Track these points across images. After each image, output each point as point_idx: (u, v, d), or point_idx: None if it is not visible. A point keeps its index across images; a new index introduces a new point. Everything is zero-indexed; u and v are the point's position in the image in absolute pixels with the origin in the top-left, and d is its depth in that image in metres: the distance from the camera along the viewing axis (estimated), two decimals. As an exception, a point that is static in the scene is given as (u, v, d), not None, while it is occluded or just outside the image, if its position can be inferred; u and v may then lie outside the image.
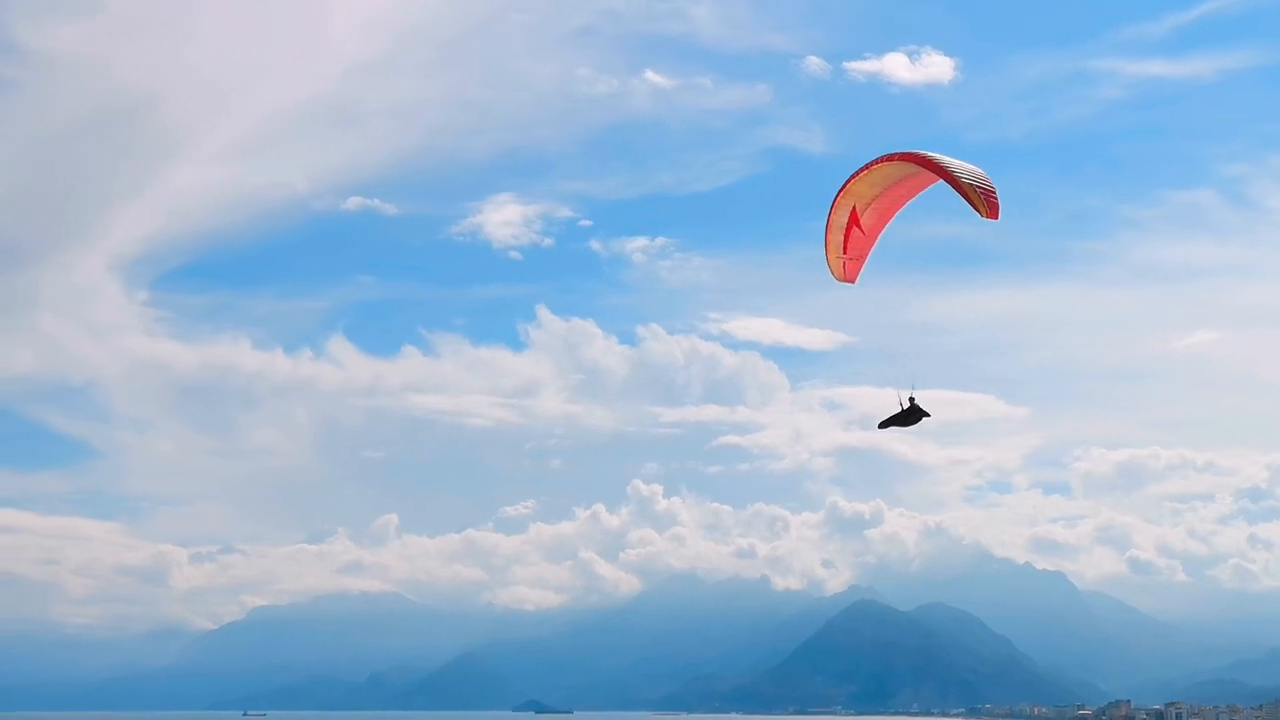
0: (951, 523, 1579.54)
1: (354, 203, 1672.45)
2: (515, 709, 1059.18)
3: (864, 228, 66.04)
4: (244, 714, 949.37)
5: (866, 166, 62.97)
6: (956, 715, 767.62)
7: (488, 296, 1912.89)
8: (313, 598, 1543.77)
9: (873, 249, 67.44)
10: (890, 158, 61.91)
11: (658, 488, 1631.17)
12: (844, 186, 64.40)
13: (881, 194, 64.46)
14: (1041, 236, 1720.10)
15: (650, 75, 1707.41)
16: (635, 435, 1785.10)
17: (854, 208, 65.00)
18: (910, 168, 61.53)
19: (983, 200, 59.08)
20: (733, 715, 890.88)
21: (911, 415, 65.23)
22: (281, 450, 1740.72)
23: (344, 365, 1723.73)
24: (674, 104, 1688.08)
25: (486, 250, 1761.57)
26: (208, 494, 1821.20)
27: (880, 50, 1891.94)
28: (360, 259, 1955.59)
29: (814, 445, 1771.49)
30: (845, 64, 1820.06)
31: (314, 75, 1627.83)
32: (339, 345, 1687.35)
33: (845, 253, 66.90)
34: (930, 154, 60.33)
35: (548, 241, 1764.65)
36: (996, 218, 59.59)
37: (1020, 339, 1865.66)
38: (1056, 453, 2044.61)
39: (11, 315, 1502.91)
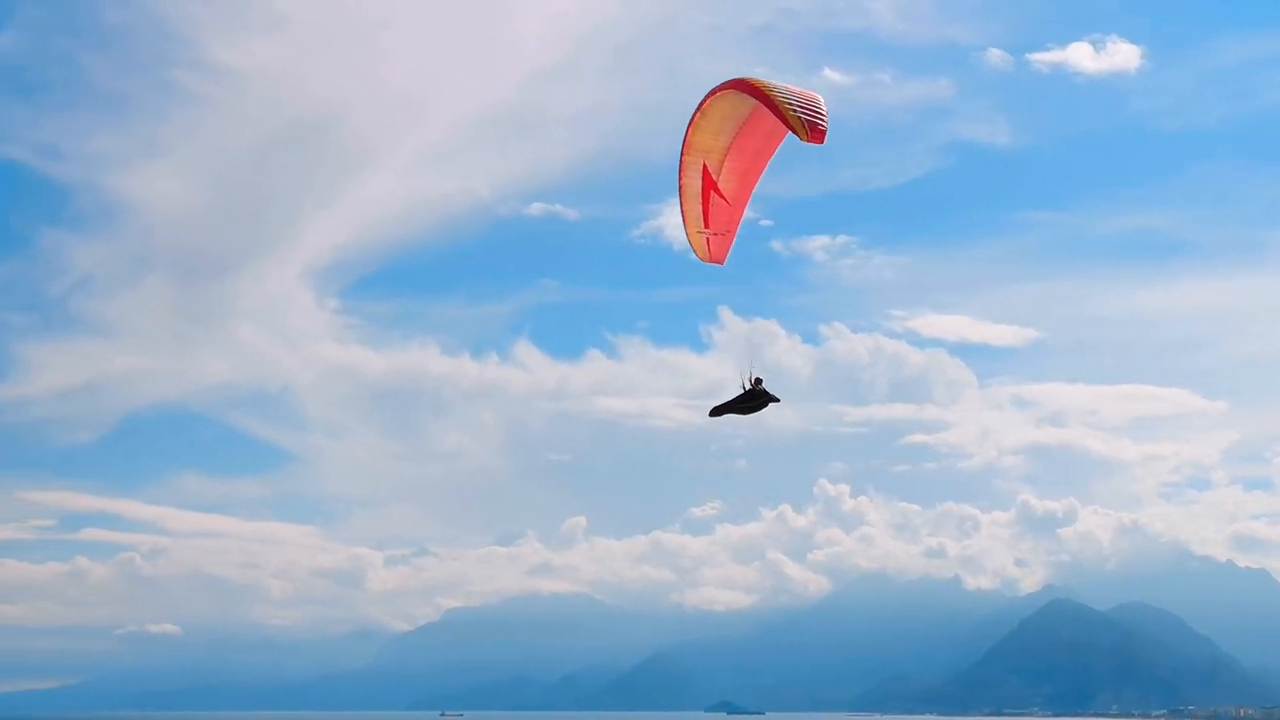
0: (1148, 520, 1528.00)
1: (537, 208, 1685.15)
2: (707, 710, 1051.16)
3: (725, 195, 53.57)
4: (441, 714, 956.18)
5: (699, 108, 50.99)
6: (1158, 717, 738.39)
7: (670, 298, 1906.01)
8: (505, 599, 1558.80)
9: (740, 221, 54.96)
10: (714, 91, 50.07)
11: (844, 487, 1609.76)
12: (685, 140, 52.24)
13: (731, 147, 52.12)
14: (1240, 226, 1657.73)
15: (829, 72, 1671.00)
16: (820, 435, 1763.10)
17: (705, 167, 52.65)
18: (736, 98, 49.54)
19: (802, 123, 46.82)
20: (927, 717, 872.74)
21: (755, 399, 53.15)
22: (470, 453, 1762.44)
23: (530, 369, 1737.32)
24: (854, 100, 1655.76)
25: (668, 252, 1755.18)
26: (400, 497, 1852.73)
27: (1063, 40, 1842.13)
28: (544, 264, 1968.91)
29: (1003, 443, 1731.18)
30: (1028, 55, 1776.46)
31: (496, 83, 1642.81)
32: (524, 349, 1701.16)
33: (707, 226, 54.50)
34: (751, 78, 48.52)
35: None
36: (821, 141, 47.40)
37: (1218, 332, 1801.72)
38: (1257, 447, 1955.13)
39: (211, 325, 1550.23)
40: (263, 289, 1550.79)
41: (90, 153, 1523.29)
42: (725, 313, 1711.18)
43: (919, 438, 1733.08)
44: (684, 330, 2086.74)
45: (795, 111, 47.13)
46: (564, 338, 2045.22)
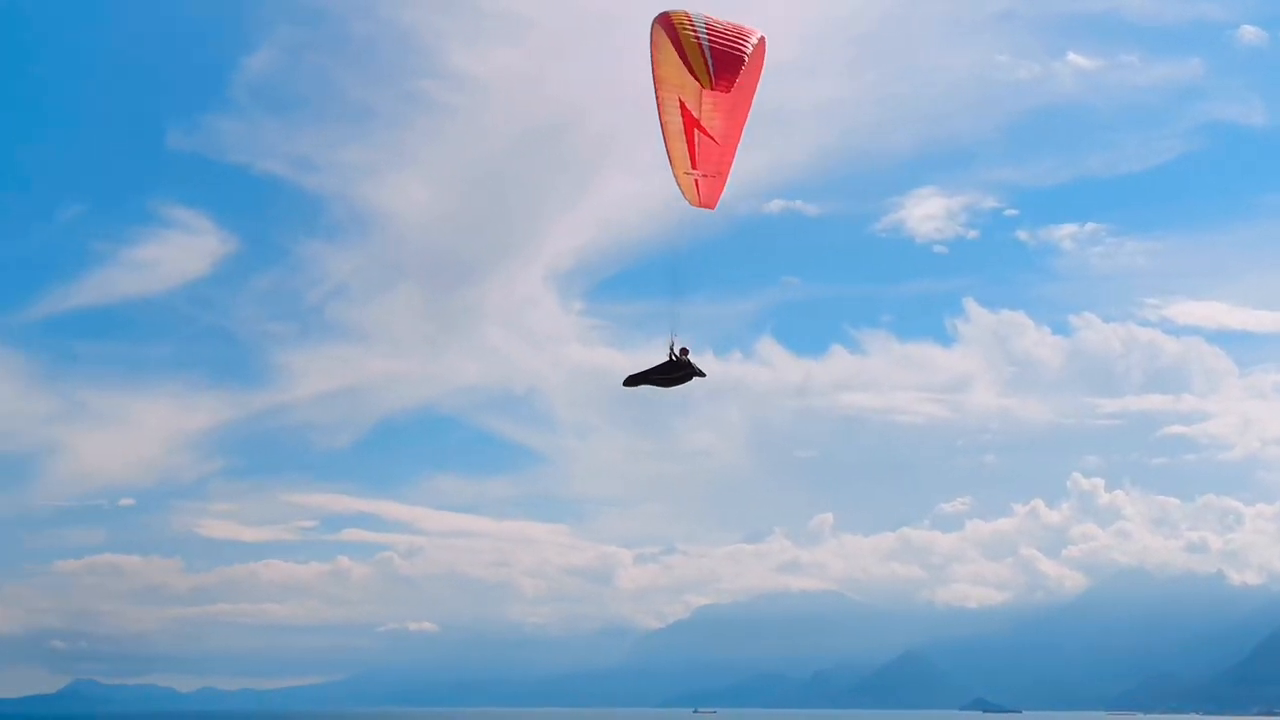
0: None
1: (776, 205, 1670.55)
2: (961, 708, 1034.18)
3: (713, 134, 49.12)
4: (694, 711, 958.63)
5: (651, 41, 46.86)
6: None
7: (913, 292, 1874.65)
8: (754, 596, 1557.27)
9: (732, 163, 50.39)
10: (658, 18, 45.92)
11: (1099, 481, 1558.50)
12: (652, 74, 48.05)
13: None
14: None
15: (1073, 57, 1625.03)
16: (1073, 428, 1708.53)
17: (682, 103, 48.26)
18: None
19: (706, 69, 42.32)
20: (1192, 716, 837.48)
21: (676, 371, 48.64)
22: (716, 451, 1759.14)
23: (774, 366, 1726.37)
24: (1100, 84, 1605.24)
25: (910, 245, 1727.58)
26: (647, 496, 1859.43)
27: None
28: (785, 260, 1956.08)
29: (1266, 433, 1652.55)
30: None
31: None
32: (768, 346, 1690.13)
33: (694, 167, 50.14)
34: (674, 10, 44.05)
35: (973, 233, 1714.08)
36: (725, 90, 42.96)
37: None
38: None
39: (461, 329, 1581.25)
40: (509, 293, 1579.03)
41: (342, 164, 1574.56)
42: (971, 305, 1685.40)
43: (1177, 429, 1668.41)
44: (929, 323, 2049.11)
45: (701, 55, 42.69)
46: (807, 334, 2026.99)
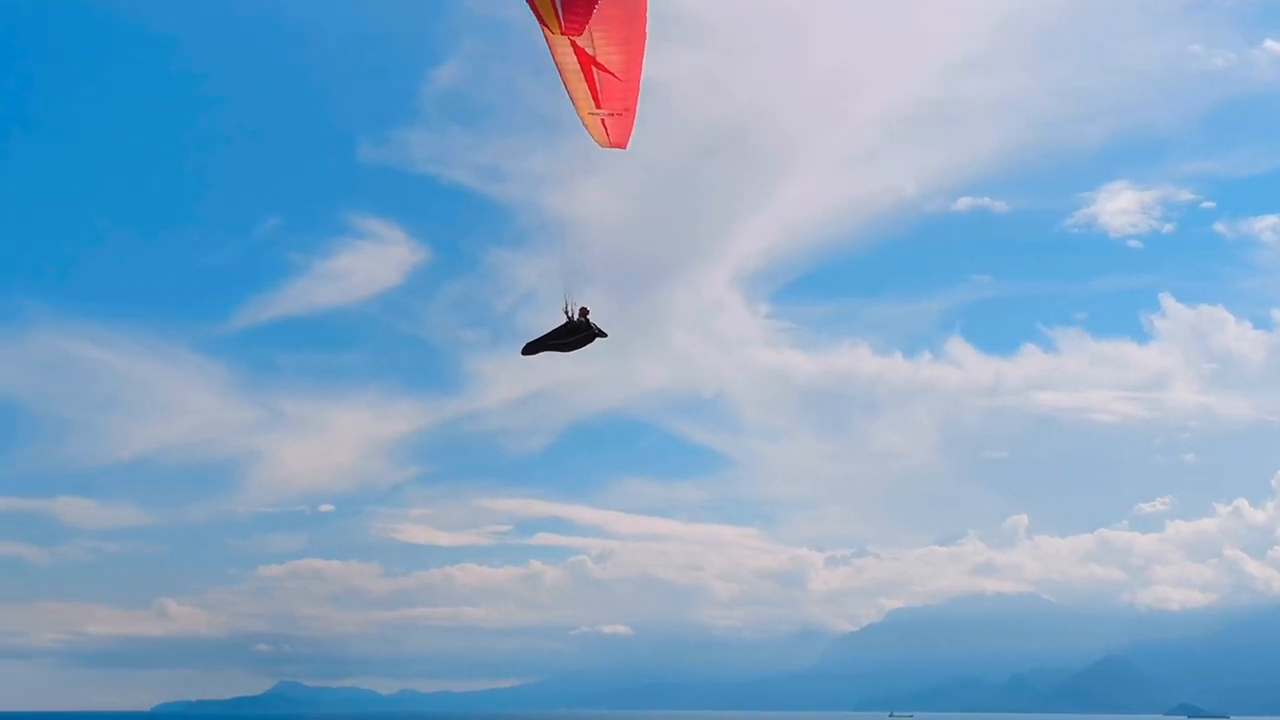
0: None
1: (964, 203, 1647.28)
2: (1166, 713, 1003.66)
3: (612, 70, 46.75)
4: (890, 715, 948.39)
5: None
6: None
7: (1107, 288, 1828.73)
8: (948, 599, 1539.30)
9: (637, 98, 48.02)
10: None
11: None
12: (534, 13, 45.77)
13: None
14: None
15: (1270, 44, 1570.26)
16: (1277, 425, 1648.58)
17: (571, 42, 45.91)
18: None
19: (554, 11, 40.02)
20: None
21: (576, 333, 45.96)
22: (906, 453, 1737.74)
23: (963, 366, 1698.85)
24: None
25: (1103, 241, 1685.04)
26: (837, 498, 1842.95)
27: None
28: (974, 258, 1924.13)
29: None
30: None
31: (918, 77, 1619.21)
32: (957, 346, 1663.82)
33: (599, 106, 47.94)
34: None
35: (1168, 227, 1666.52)
36: (575, 33, 40.63)
37: None
38: None
39: (649, 334, 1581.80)
40: (695, 296, 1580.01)
41: (528, 173, 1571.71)
42: (1168, 300, 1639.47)
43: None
44: (1124, 320, 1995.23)
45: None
46: (997, 333, 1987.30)
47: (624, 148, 49.04)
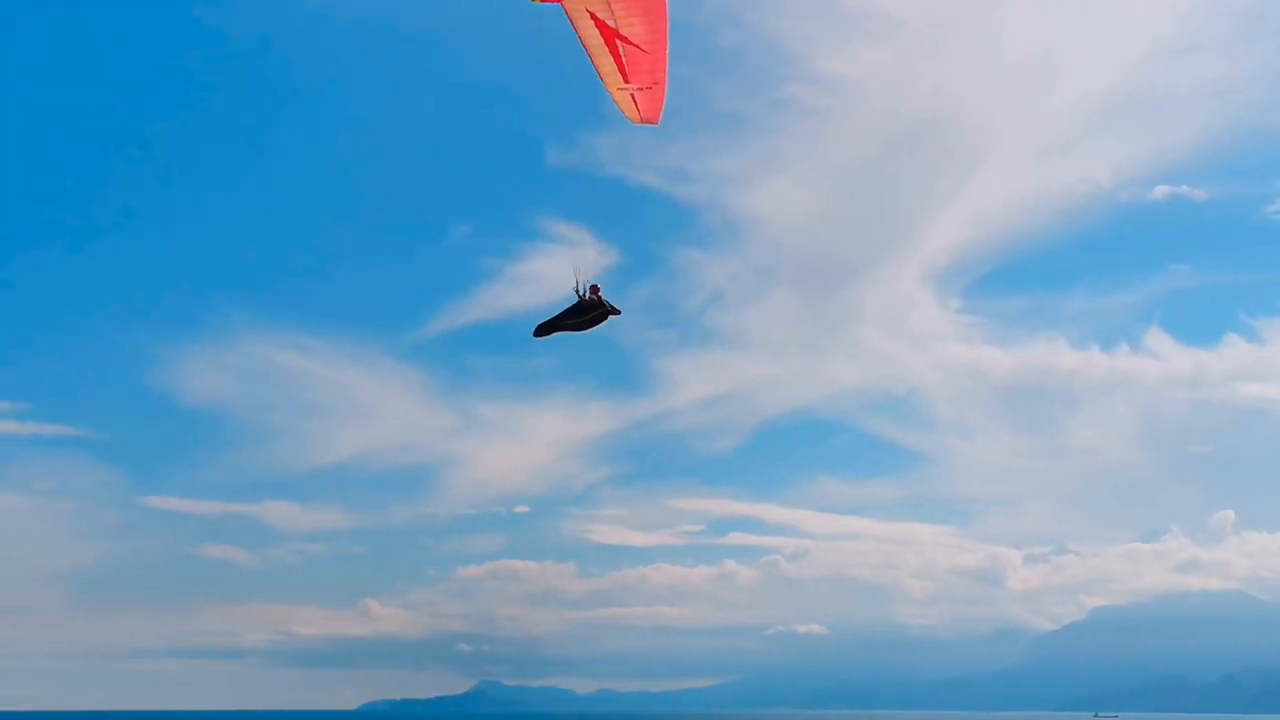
0: None
1: (1161, 191, 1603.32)
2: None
3: (636, 42, 45.96)
4: (1095, 715, 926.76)
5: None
6: None
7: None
8: (1152, 597, 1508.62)
9: (666, 69, 46.99)
10: None
11: None
12: (555, -10, 45.18)
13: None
14: None
15: None
16: None
17: (593, 16, 45.30)
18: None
19: None
20: None
21: (589, 312, 44.85)
22: (1106, 448, 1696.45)
23: (1163, 358, 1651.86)
24: None
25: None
26: (1035, 495, 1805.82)
27: None
28: (1173, 248, 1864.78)
29: None
30: None
31: (1111, 64, 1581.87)
32: (1156, 338, 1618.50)
33: (627, 81, 47.13)
34: None
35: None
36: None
37: None
38: None
39: (840, 331, 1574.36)
40: (886, 293, 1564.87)
41: (714, 173, 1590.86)
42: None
43: None
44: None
45: None
46: (1198, 324, 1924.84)
47: (655, 123, 48.10)
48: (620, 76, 46.66)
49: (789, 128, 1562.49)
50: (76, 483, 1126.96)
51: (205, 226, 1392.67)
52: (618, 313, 46.90)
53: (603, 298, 46.66)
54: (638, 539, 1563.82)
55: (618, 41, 45.80)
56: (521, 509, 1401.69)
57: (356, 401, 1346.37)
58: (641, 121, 48.21)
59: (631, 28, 45.47)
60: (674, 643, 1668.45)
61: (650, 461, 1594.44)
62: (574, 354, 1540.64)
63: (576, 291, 46.85)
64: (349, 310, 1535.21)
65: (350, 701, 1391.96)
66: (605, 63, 46.46)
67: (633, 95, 47.31)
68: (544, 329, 47.87)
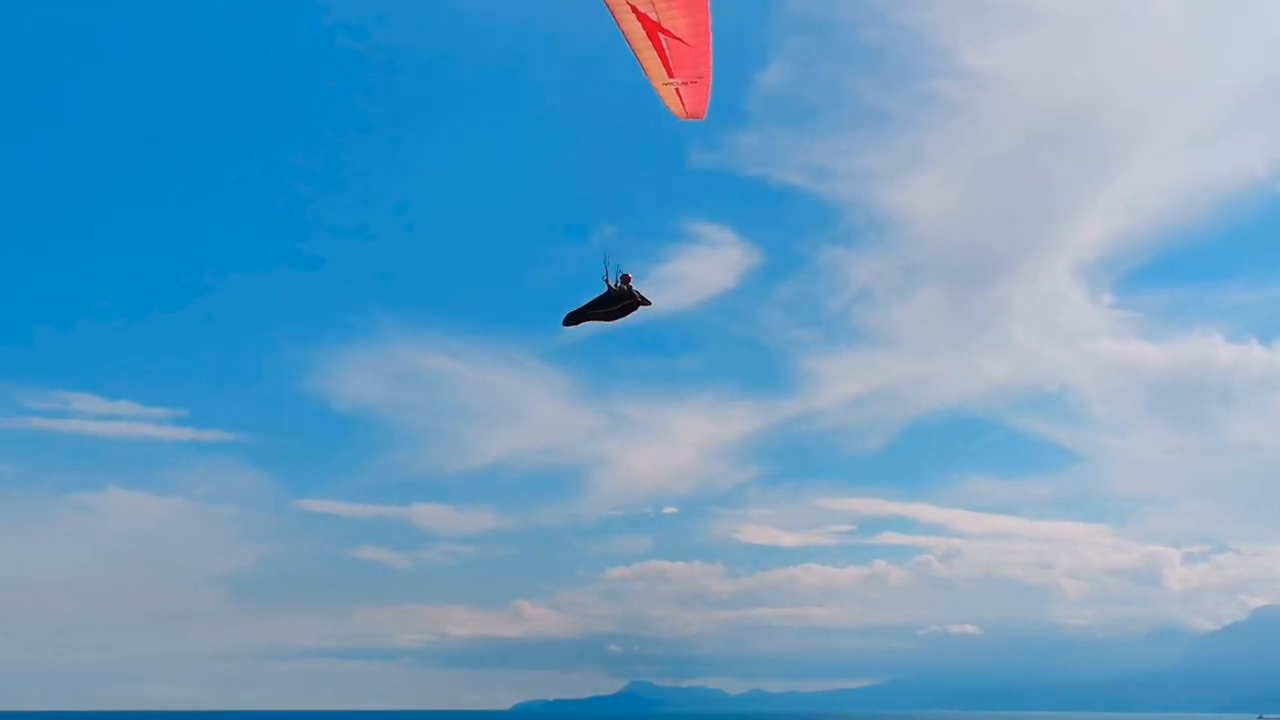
0: None
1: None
2: None
3: (679, 35, 45.64)
4: (1259, 717, 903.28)
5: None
6: None
7: None
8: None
9: (710, 62, 46.57)
10: None
11: None
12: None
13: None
14: None
15: None
16: None
17: (633, 8, 45.05)
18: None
19: None
20: None
21: (618, 301, 44.37)
22: (1267, 444, 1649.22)
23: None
24: None
25: None
26: (1193, 492, 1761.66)
27: None
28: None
29: None
30: None
31: (1265, 50, 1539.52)
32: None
33: (671, 76, 46.81)
34: None
35: None
36: None
37: None
38: None
39: (987, 328, 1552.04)
40: (1034, 289, 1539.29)
41: (858, 170, 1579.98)
42: None
43: None
44: None
45: None
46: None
47: (701, 118, 47.71)
48: (664, 71, 46.38)
49: (933, 123, 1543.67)
50: (234, 487, 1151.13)
51: (356, 235, 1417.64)
52: (648, 303, 46.53)
53: (633, 288, 46.32)
54: (786, 539, 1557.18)
55: (660, 35, 45.52)
56: (669, 509, 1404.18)
57: (504, 403, 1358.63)
58: (687, 116, 47.85)
59: (673, 21, 45.16)
60: (825, 643, 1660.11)
61: (797, 461, 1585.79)
62: (718, 355, 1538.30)
63: (606, 281, 46.53)
64: (495, 313, 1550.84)
65: (504, 701, 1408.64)
66: (649, 57, 46.20)
67: (678, 90, 47.01)
68: (572, 318, 47.76)
